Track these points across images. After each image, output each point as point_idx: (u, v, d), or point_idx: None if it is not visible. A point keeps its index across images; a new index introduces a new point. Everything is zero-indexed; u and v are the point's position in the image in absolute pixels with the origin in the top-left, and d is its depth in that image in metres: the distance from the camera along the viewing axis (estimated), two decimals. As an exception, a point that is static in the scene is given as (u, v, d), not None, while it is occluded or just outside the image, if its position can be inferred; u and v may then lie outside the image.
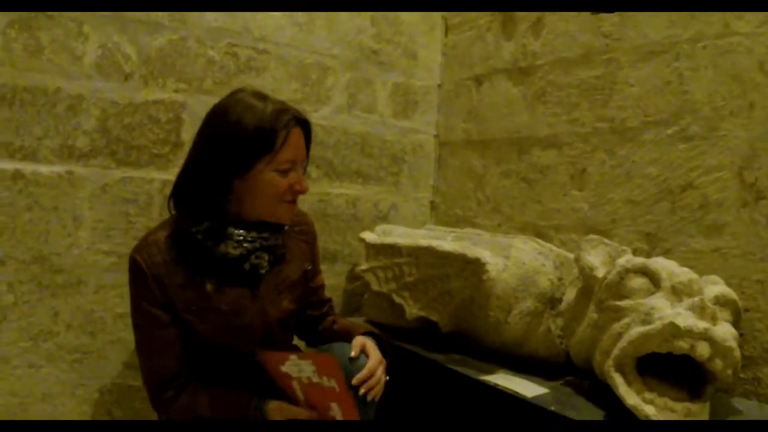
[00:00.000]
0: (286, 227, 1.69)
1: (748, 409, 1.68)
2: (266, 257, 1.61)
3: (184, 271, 1.55)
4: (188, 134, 2.23)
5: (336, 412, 1.50)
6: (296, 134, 1.56)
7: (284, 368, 1.50)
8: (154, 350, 1.57)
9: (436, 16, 2.92)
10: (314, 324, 1.90)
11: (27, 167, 1.98)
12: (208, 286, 1.56)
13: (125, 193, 2.16)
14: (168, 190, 2.13)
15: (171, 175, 2.13)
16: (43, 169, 2.01)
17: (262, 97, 1.54)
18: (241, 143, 1.48)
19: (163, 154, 2.23)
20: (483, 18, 2.72)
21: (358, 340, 1.65)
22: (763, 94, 1.80)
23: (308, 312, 1.85)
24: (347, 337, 1.72)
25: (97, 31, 2.07)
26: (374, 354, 1.61)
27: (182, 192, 1.58)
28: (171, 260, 1.54)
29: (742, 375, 1.77)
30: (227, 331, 1.59)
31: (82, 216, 2.09)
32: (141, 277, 1.53)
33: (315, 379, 1.47)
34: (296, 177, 1.57)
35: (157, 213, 2.19)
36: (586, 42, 2.28)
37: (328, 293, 1.98)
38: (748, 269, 1.81)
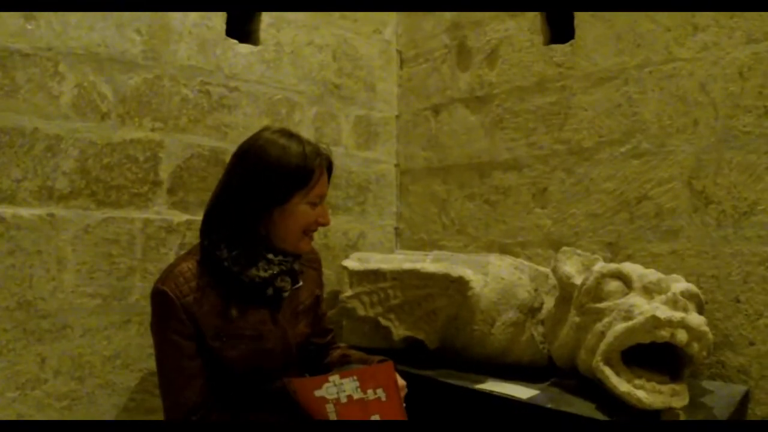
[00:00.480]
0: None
1: (717, 389, 1.92)
2: (289, 280, 1.73)
3: (211, 299, 1.63)
4: (165, 172, 2.31)
5: None
6: (323, 171, 1.73)
7: (319, 393, 1.53)
8: (181, 382, 1.61)
9: (392, 50, 3.10)
10: (318, 354, 1.98)
11: (7, 210, 1.99)
12: (233, 312, 1.64)
13: (107, 234, 2.18)
14: (149, 230, 2.23)
15: (151, 213, 2.25)
16: (24, 212, 2.01)
17: (292, 135, 1.69)
18: (282, 178, 1.63)
19: (142, 193, 2.26)
20: (438, 51, 2.93)
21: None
22: (705, 112, 2.08)
23: (313, 339, 1.94)
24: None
25: (72, 70, 2.11)
26: (399, 379, 1.70)
27: (216, 221, 1.67)
28: (198, 289, 1.62)
29: (707, 360, 1.97)
30: (252, 356, 1.67)
31: (66, 258, 2.09)
32: (171, 308, 1.59)
33: (357, 396, 1.53)
34: (322, 210, 1.73)
35: (140, 252, 2.24)
36: (540, 71, 2.51)
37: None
38: (703, 266, 2.07)
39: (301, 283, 1.81)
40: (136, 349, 2.24)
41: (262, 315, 1.71)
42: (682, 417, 1.58)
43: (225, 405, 1.67)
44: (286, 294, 1.73)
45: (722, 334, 2.01)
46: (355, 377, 1.53)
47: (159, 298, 1.61)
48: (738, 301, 2.00)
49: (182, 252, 2.21)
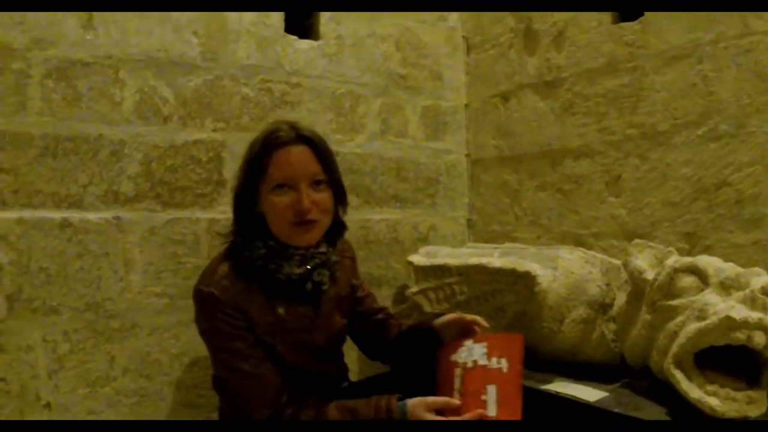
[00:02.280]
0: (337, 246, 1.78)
1: None
2: (327, 273, 1.70)
3: (257, 297, 1.62)
4: (229, 172, 2.31)
5: (490, 396, 1.51)
6: (288, 152, 1.60)
7: (453, 357, 1.59)
8: (254, 372, 1.58)
9: (457, 37, 3.03)
10: (375, 334, 1.95)
11: (74, 215, 2.04)
12: (280, 310, 1.65)
13: (173, 235, 2.22)
14: (214, 229, 2.23)
15: (215, 213, 2.28)
16: (91, 216, 2.07)
17: (274, 124, 1.66)
18: (244, 172, 1.64)
19: (206, 194, 2.29)
20: (504, 35, 2.84)
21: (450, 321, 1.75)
22: (787, 89, 1.91)
23: (361, 322, 1.93)
24: (420, 329, 1.82)
25: (133, 76, 2.14)
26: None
27: (236, 220, 1.70)
28: (242, 289, 1.60)
29: None
30: (302, 350, 1.68)
31: (133, 260, 2.14)
32: (218, 306, 1.57)
33: (482, 362, 1.56)
34: (297, 196, 1.59)
35: (206, 252, 2.26)
36: (609, 51, 2.39)
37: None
38: (789, 259, 1.90)
39: (338, 274, 1.79)
40: (203, 347, 2.20)
41: (305, 309, 1.71)
42: (761, 428, 1.46)
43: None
44: (325, 287, 1.71)
45: (808, 333, 1.85)
46: (485, 343, 1.58)
47: (205, 299, 1.59)
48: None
49: None
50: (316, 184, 1.63)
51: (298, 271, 1.63)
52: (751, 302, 1.47)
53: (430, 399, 1.52)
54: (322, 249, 1.70)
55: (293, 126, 1.64)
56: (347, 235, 1.88)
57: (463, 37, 3.05)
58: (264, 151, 1.60)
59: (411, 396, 1.53)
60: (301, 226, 1.62)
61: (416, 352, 1.82)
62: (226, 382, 1.65)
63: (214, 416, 2.22)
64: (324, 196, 1.65)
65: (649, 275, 1.74)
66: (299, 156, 1.61)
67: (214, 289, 1.58)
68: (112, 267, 2.11)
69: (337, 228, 1.78)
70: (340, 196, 1.73)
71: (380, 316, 1.97)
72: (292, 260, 1.63)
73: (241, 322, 1.59)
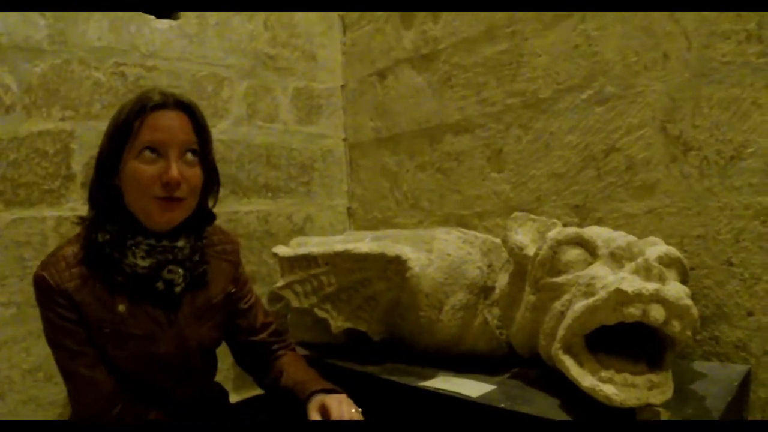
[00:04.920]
0: (205, 240, 1.48)
1: (711, 371, 1.58)
2: (181, 272, 1.39)
3: (95, 288, 1.36)
4: (78, 164, 2.07)
5: None
6: (162, 115, 1.36)
7: None
8: (83, 372, 1.37)
9: (333, 15, 2.77)
10: (259, 356, 1.67)
11: None
12: (121, 307, 1.37)
13: (18, 236, 1.97)
14: (63, 228, 1.99)
15: (64, 210, 2.06)
16: None
17: (149, 89, 1.38)
18: (110, 136, 1.36)
19: (54, 189, 2.03)
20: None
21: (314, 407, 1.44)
22: (676, 43, 1.71)
23: (241, 338, 1.63)
24: (296, 397, 1.51)
25: None
26: (337, 409, 1.40)
27: (89, 198, 1.42)
28: (80, 276, 1.35)
29: (698, 336, 1.65)
30: (142, 359, 1.40)
31: (-26, 266, 1.87)
32: (49, 294, 1.33)
33: None
34: (165, 165, 1.33)
35: (54, 254, 1.96)
36: (487, 17, 2.15)
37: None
38: (687, 225, 1.70)
39: (208, 278, 1.50)
40: None
41: (155, 313, 1.41)
42: (664, 414, 1.19)
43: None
44: (178, 289, 1.39)
45: (714, 304, 1.64)
46: None
47: (38, 284, 1.35)
48: (730, 264, 1.63)
49: None
50: (190, 154, 1.38)
51: (143, 263, 1.35)
52: (646, 272, 1.22)
53: None
54: (180, 243, 1.40)
55: (171, 92, 1.39)
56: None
57: (338, 15, 2.78)
58: (135, 113, 1.33)
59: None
60: (165, 202, 1.34)
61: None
62: (63, 378, 1.41)
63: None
64: (195, 172, 1.39)
65: (531, 250, 1.49)
66: (174, 121, 1.37)
67: (46, 273, 1.34)
68: (-50, 275, 1.83)
69: (204, 218, 1.49)
70: (211, 178, 1.47)
71: (263, 335, 1.66)
72: (138, 249, 1.34)
73: (70, 314, 1.34)
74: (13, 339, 1.95)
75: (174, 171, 1.31)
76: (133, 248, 1.34)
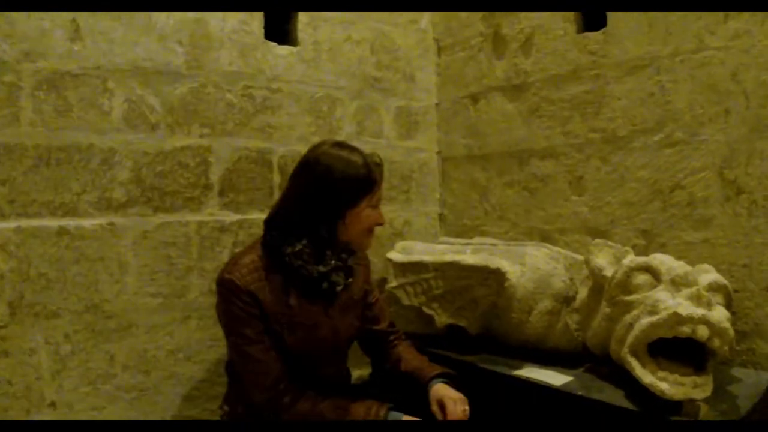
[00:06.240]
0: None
1: (746, 377, 2.02)
2: (342, 276, 1.93)
3: (273, 288, 1.84)
4: (215, 176, 2.47)
5: None
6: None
7: None
8: (260, 355, 1.81)
9: (429, 39, 3.21)
10: (377, 344, 2.18)
11: (70, 223, 2.17)
12: (292, 301, 1.86)
13: (165, 237, 2.37)
14: (204, 231, 2.40)
15: (204, 215, 2.42)
16: (86, 222, 2.19)
17: (350, 148, 1.91)
18: (353, 187, 1.85)
19: (195, 197, 2.43)
20: (474, 39, 3.04)
21: (434, 398, 1.93)
22: (737, 101, 2.14)
23: (367, 326, 2.13)
24: (415, 381, 2.00)
25: (120, 85, 2.26)
26: (452, 408, 1.86)
27: (284, 221, 1.88)
28: (261, 278, 1.83)
29: (738, 348, 2.09)
30: (307, 342, 1.89)
31: (127, 263, 2.28)
32: (236, 293, 1.80)
33: None
34: (379, 212, 1.96)
35: (196, 253, 2.42)
36: (574, 59, 2.60)
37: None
38: (735, 255, 2.16)
39: (351, 279, 1.99)
40: (197, 342, 2.44)
41: (317, 306, 1.91)
42: (703, 408, 1.67)
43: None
44: (339, 288, 1.92)
45: (753, 322, 2.11)
46: None
47: (226, 285, 1.82)
48: (769, 290, 2.09)
49: (236, 250, 2.43)
50: None
51: (323, 269, 1.87)
52: (697, 299, 1.69)
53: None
54: (344, 255, 1.94)
55: (366, 154, 1.92)
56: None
57: (434, 39, 3.23)
58: (375, 175, 1.89)
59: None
60: (370, 234, 1.98)
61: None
62: (235, 364, 1.91)
63: (210, 406, 2.43)
64: None
65: (608, 272, 1.96)
66: None
67: (233, 275, 1.81)
68: (107, 270, 2.25)
69: None
70: None
71: (383, 326, 2.19)
72: (325, 260, 1.88)
73: (253, 310, 1.81)
74: (160, 324, 2.38)
75: (384, 217, 2.01)
76: (322, 260, 1.87)
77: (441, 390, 1.92)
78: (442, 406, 1.87)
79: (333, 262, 1.89)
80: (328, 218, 1.85)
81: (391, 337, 2.19)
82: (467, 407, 1.87)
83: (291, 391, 1.82)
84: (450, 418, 1.83)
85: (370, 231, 1.96)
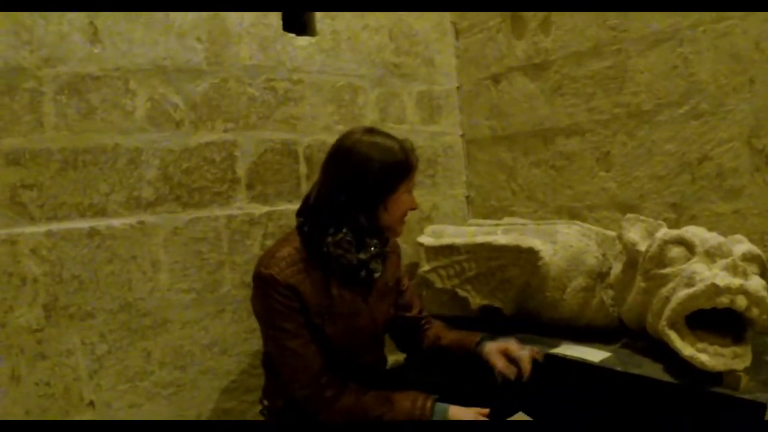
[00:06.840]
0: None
1: None
2: (380, 263, 1.96)
3: (313, 279, 1.86)
4: (242, 169, 2.51)
5: None
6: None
7: None
8: (301, 349, 1.83)
9: (446, 23, 3.24)
10: (411, 327, 2.23)
11: (100, 223, 2.20)
12: (334, 291, 1.89)
13: (195, 233, 2.41)
14: (233, 225, 2.45)
15: (233, 209, 2.47)
16: (116, 222, 2.23)
17: (382, 134, 1.93)
18: (392, 173, 1.87)
19: (222, 192, 2.48)
20: (492, 20, 3.07)
21: (492, 351, 2.01)
22: (761, 70, 2.16)
23: (399, 313, 2.18)
24: (462, 350, 2.07)
25: (142, 85, 2.29)
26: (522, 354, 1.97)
27: (320, 212, 1.88)
28: (300, 271, 1.85)
29: None
30: (347, 332, 1.93)
31: (159, 260, 2.33)
32: (276, 287, 1.82)
33: None
34: (414, 197, 2.00)
35: (227, 247, 2.47)
36: (594, 35, 2.63)
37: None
38: (767, 225, 2.18)
39: (385, 271, 2.02)
40: (231, 335, 2.50)
41: (356, 295, 1.96)
42: (744, 378, 1.71)
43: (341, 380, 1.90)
44: (377, 275, 1.96)
45: (788, 290, 2.12)
46: None
47: (265, 280, 1.84)
48: (803, 257, 2.14)
49: (266, 242, 2.50)
50: None
51: (363, 257, 1.89)
52: (734, 269, 1.72)
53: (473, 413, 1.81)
54: (381, 243, 1.97)
55: (399, 139, 1.94)
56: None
57: (451, 22, 3.26)
58: (412, 159, 1.92)
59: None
60: (404, 220, 2.00)
61: (458, 365, 2.11)
62: (274, 358, 1.92)
63: (248, 398, 2.49)
64: None
65: (642, 247, 2.00)
66: None
67: (272, 270, 1.83)
68: (140, 268, 2.30)
69: None
70: None
71: (415, 312, 2.23)
72: (365, 248, 1.90)
73: (293, 303, 1.84)
74: (194, 319, 2.42)
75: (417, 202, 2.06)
76: (364, 248, 1.89)
77: (496, 343, 2.00)
78: (506, 356, 1.95)
79: (373, 249, 1.90)
80: (369, 206, 1.86)
81: (423, 321, 2.24)
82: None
83: (333, 385, 1.84)
84: (522, 353, 1.93)
85: (404, 216, 1.98)
